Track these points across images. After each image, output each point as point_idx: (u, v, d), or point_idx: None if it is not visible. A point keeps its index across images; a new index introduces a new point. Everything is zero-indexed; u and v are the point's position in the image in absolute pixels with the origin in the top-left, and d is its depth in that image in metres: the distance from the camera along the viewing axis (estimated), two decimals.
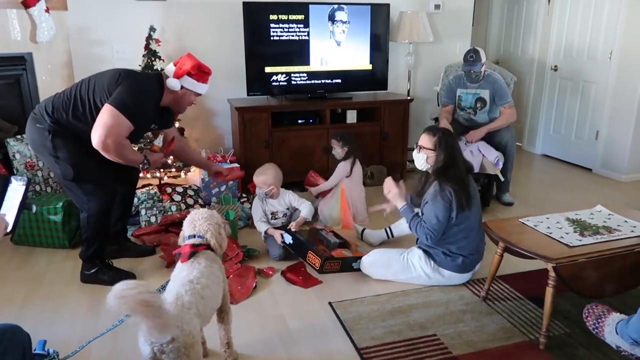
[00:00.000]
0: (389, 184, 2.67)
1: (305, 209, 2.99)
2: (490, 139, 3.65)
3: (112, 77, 2.38)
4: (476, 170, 3.36)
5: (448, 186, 2.42)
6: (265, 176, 2.95)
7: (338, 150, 3.46)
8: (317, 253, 2.64)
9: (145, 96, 2.43)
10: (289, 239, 2.79)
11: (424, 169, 2.59)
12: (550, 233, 2.24)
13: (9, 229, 1.47)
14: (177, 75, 2.47)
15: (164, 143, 2.68)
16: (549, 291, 2.05)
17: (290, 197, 3.05)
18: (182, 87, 2.49)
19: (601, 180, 4.46)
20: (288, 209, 3.05)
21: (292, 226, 2.87)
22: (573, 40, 4.77)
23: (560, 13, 4.88)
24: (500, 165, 3.49)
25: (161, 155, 2.68)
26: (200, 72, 2.51)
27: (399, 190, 2.63)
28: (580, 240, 2.16)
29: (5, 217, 1.46)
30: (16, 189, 1.50)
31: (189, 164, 3.50)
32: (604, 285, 2.15)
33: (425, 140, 2.54)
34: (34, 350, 1.50)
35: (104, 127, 2.27)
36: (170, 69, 2.51)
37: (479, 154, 3.45)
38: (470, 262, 2.54)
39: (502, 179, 3.57)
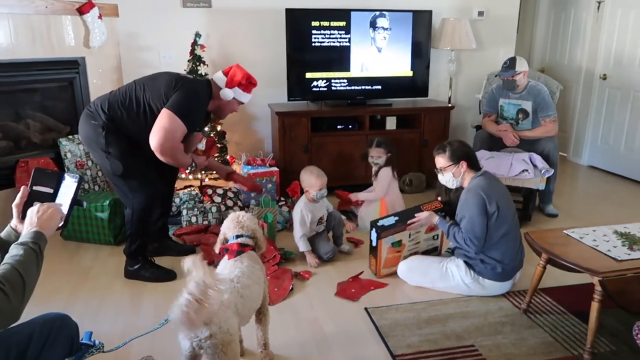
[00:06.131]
0: (416, 220, 2.64)
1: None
2: (531, 147, 3.55)
3: (168, 83, 2.48)
4: (531, 175, 3.28)
5: (476, 185, 2.42)
6: (324, 178, 2.92)
7: (383, 159, 3.41)
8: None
9: (198, 102, 2.54)
10: (374, 237, 2.68)
11: (458, 185, 2.57)
12: (597, 246, 2.16)
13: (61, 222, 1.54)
14: (230, 86, 2.57)
15: (205, 147, 2.78)
16: (595, 306, 1.98)
17: (325, 201, 3.07)
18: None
19: None
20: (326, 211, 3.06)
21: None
22: (623, 48, 4.59)
23: (610, 20, 4.71)
24: (546, 176, 3.38)
25: (204, 158, 2.77)
26: (248, 83, 2.61)
27: (426, 214, 2.63)
28: (629, 254, 2.07)
29: None
30: (69, 185, 1.57)
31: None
32: None
33: (440, 160, 2.56)
34: (81, 339, 1.56)
35: (163, 130, 2.38)
36: (220, 77, 2.60)
37: (529, 164, 3.36)
38: (510, 270, 2.48)
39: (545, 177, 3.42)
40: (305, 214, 2.88)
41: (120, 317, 2.35)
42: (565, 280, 2.62)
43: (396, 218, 2.71)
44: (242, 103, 2.70)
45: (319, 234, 2.98)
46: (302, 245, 2.89)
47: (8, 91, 3.35)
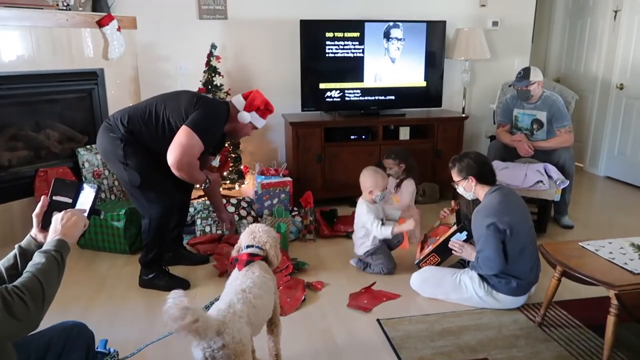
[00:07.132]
0: (458, 245, 2.57)
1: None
2: (547, 158, 3.52)
3: (189, 101, 2.56)
4: (546, 187, 3.25)
5: (485, 206, 2.41)
6: (387, 178, 2.87)
7: (395, 170, 3.37)
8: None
9: (217, 122, 2.61)
10: (462, 237, 2.60)
11: (473, 198, 2.58)
12: (613, 259, 2.13)
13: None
14: (248, 109, 2.65)
15: (220, 164, 2.85)
16: (611, 320, 1.96)
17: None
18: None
19: None
20: None
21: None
22: None
23: (628, 28, 4.66)
24: (562, 187, 3.34)
25: (218, 175, 2.83)
26: (265, 109, 2.69)
27: (468, 247, 2.55)
28: None
29: None
30: (88, 195, 1.61)
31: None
32: None
33: (453, 174, 2.57)
34: (97, 347, 1.59)
35: (181, 147, 2.44)
36: (239, 100, 2.68)
37: (544, 175, 3.33)
38: (525, 285, 2.45)
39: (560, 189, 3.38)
40: (370, 213, 2.82)
41: (135, 325, 2.38)
42: (581, 293, 2.58)
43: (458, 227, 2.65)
44: (256, 128, 2.77)
45: (377, 250, 2.87)
46: (387, 231, 2.76)
47: (29, 102, 3.43)
